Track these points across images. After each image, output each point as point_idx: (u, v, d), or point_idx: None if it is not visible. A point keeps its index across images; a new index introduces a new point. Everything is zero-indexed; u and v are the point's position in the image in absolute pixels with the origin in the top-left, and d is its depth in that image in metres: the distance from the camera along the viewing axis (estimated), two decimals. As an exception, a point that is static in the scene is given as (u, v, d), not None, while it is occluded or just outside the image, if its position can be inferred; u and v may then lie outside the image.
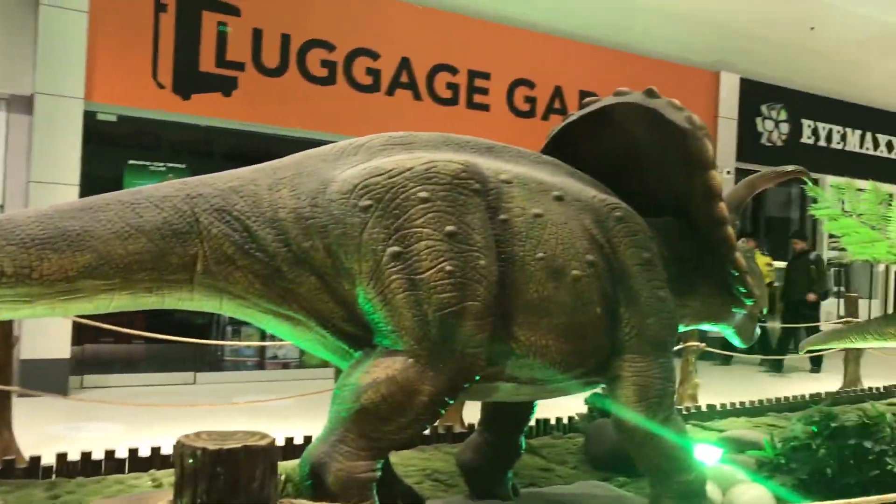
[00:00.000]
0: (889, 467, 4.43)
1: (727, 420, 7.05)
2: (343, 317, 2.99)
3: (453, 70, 9.65)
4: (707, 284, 3.96)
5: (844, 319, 9.05)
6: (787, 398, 7.65)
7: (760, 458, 4.88)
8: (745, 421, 7.00)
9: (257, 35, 8.58)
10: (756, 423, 6.95)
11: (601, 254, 3.42)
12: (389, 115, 8.90)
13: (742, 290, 3.87)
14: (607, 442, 5.09)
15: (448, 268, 2.88)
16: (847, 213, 5.48)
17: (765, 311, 4.45)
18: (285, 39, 8.69)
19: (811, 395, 7.89)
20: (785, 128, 12.59)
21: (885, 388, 8.59)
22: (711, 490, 4.18)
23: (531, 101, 10.31)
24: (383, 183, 2.94)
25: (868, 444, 4.47)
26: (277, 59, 8.67)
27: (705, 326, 4.25)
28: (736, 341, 4.45)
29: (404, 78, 9.32)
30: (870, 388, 8.60)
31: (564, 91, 10.58)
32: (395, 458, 5.09)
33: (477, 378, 3.07)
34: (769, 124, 12.35)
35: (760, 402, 7.44)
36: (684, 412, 6.93)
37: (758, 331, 4.51)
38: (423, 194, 2.94)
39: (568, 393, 3.62)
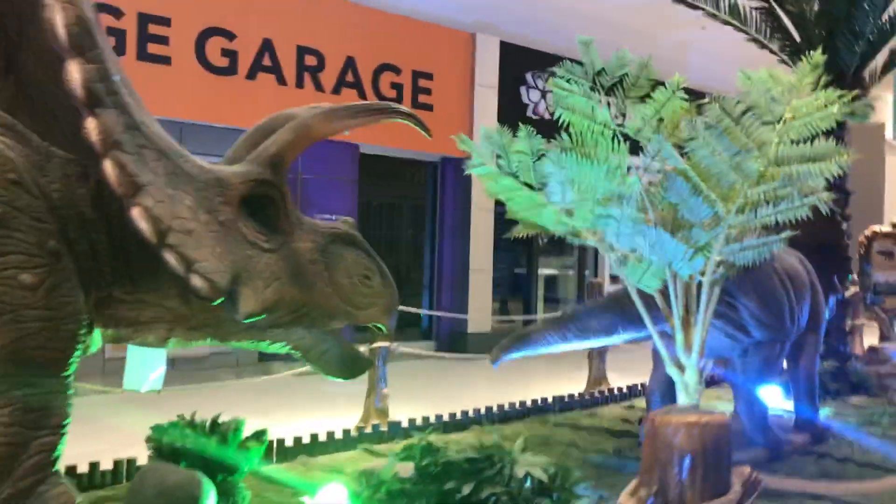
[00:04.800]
0: (500, 520, 3.08)
1: (416, 438, 5.70)
2: None
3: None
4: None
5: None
6: (500, 406, 6.35)
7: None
8: (435, 438, 5.67)
9: None
10: (451, 440, 5.62)
11: None
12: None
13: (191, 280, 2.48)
14: (150, 491, 3.57)
15: None
16: (505, 171, 4.15)
17: (383, 327, 3.31)
18: None
19: (534, 402, 6.65)
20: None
21: (628, 387, 7.51)
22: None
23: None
24: None
25: (467, 490, 3.09)
26: None
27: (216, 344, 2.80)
28: (323, 372, 3.29)
29: None
30: (610, 390, 7.50)
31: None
32: None
33: None
34: (535, 95, 11.16)
35: (464, 413, 6.10)
36: (354, 434, 5.50)
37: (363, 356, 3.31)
38: None
39: None
